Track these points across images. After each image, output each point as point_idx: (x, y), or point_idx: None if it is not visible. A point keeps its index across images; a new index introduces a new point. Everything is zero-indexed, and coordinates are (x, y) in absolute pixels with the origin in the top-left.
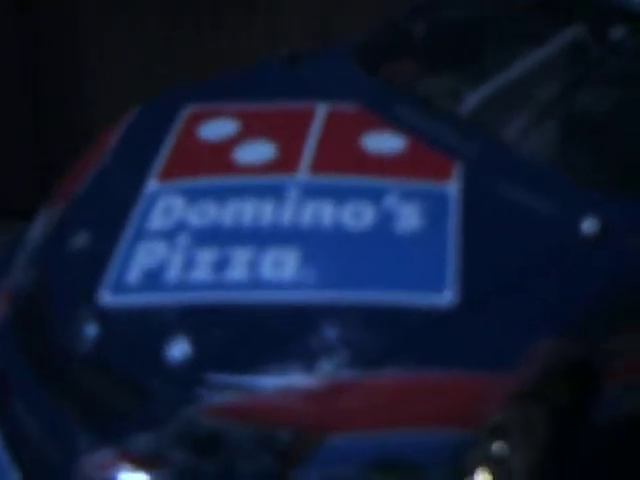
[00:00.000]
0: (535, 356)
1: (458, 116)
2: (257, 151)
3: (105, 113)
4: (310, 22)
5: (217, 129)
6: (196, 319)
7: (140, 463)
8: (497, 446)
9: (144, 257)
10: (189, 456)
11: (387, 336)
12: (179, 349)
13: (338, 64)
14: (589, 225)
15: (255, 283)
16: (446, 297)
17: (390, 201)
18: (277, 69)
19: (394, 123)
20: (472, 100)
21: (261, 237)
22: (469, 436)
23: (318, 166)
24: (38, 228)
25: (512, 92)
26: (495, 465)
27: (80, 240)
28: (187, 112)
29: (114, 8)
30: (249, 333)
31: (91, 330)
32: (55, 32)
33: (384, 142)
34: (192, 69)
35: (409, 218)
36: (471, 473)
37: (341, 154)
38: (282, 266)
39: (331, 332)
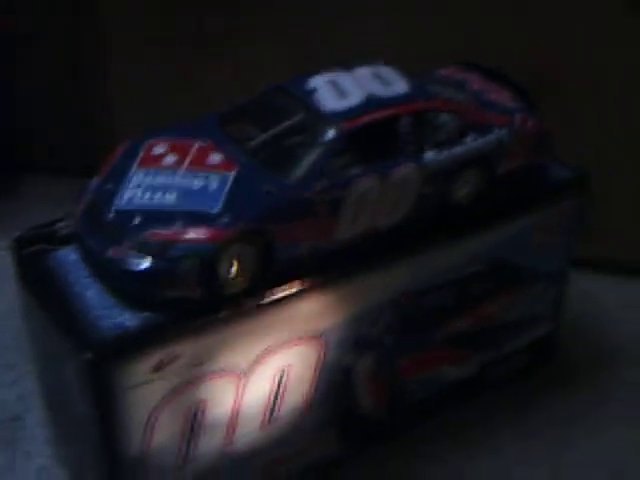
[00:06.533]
0: (242, 225)
1: (247, 148)
2: (170, 159)
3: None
4: None
5: (158, 150)
6: (142, 215)
7: (127, 251)
8: (236, 256)
9: (128, 193)
10: (137, 250)
11: (193, 219)
12: (137, 219)
13: (210, 123)
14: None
15: (162, 203)
16: (216, 208)
17: (210, 178)
18: (189, 124)
19: (222, 150)
20: (254, 142)
21: (164, 188)
22: (221, 246)
23: (191, 165)
24: (93, 182)
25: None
26: (237, 264)
27: (109, 187)
28: (149, 142)
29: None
30: (161, 215)
31: (111, 214)
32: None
33: (216, 158)
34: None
35: (214, 184)
36: (228, 267)
37: (199, 161)
38: (167, 197)
39: (180, 218)
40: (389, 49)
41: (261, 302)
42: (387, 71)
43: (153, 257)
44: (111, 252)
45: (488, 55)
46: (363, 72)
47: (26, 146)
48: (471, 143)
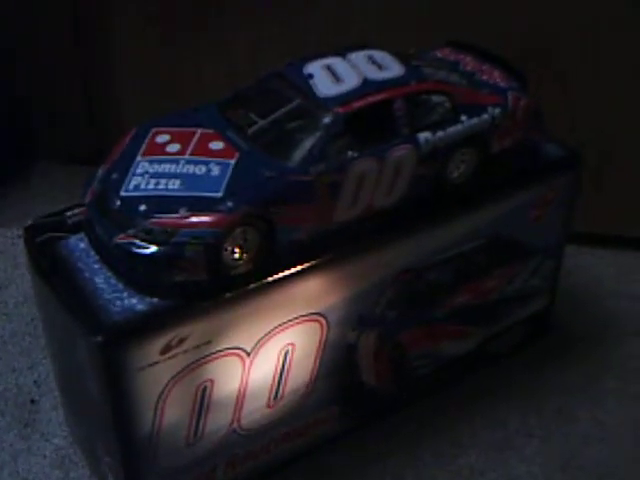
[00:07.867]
0: (244, 210)
1: (247, 135)
2: (173, 147)
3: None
4: None
5: (161, 138)
6: (147, 202)
7: (133, 237)
8: (240, 240)
9: (134, 181)
10: (143, 237)
11: (197, 204)
12: (142, 206)
13: (211, 110)
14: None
15: (166, 190)
16: (219, 194)
17: (212, 165)
18: (190, 111)
19: (223, 137)
20: (254, 128)
21: (168, 176)
22: (224, 230)
23: (194, 153)
24: (100, 171)
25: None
26: (241, 247)
27: (115, 176)
28: (153, 130)
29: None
30: (165, 202)
31: (117, 202)
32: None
33: (217, 145)
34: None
35: (216, 170)
36: (232, 250)
37: (201, 149)
38: (174, 184)
39: (184, 204)
40: (377, 26)
41: (264, 283)
42: (381, 55)
43: (158, 243)
44: (118, 239)
45: (479, 27)
46: (358, 56)
47: (37, 134)
48: (465, 123)
